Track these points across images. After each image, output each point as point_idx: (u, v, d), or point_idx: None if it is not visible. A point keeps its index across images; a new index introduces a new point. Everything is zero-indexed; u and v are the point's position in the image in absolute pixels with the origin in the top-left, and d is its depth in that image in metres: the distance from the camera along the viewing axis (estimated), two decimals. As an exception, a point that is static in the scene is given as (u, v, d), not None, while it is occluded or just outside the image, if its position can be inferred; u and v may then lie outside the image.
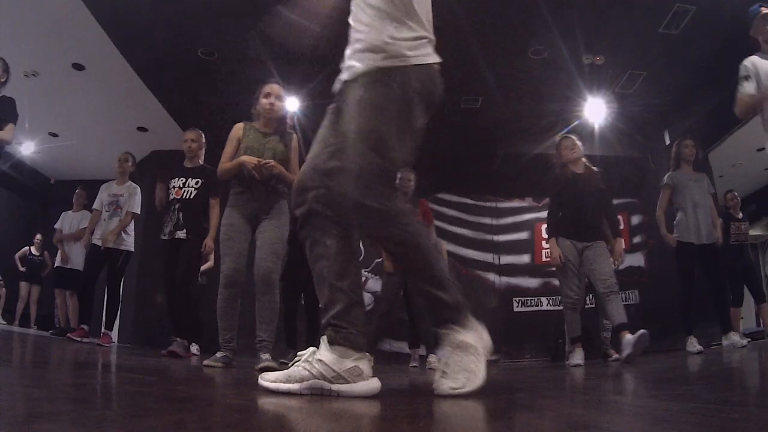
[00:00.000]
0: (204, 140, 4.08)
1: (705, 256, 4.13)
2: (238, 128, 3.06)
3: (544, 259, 6.97)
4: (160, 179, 4.04)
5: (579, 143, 3.90)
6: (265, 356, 2.80)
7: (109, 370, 2.20)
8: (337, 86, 1.45)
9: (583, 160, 3.87)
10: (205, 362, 2.83)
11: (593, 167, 3.90)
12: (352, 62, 1.39)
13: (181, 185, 3.87)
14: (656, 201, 4.43)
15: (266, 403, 1.18)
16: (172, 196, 3.85)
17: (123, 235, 4.61)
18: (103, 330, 4.52)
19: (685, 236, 4.16)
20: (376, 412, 1.09)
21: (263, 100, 3.00)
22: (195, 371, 2.49)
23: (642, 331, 3.16)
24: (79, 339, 4.27)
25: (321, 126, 1.46)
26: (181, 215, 3.78)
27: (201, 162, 4.02)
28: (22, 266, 7.25)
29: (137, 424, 0.79)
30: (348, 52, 1.42)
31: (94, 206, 4.80)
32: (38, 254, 7.34)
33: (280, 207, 2.97)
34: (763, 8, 2.85)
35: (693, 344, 4.01)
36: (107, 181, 4.85)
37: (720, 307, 4.11)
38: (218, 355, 2.86)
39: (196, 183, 3.86)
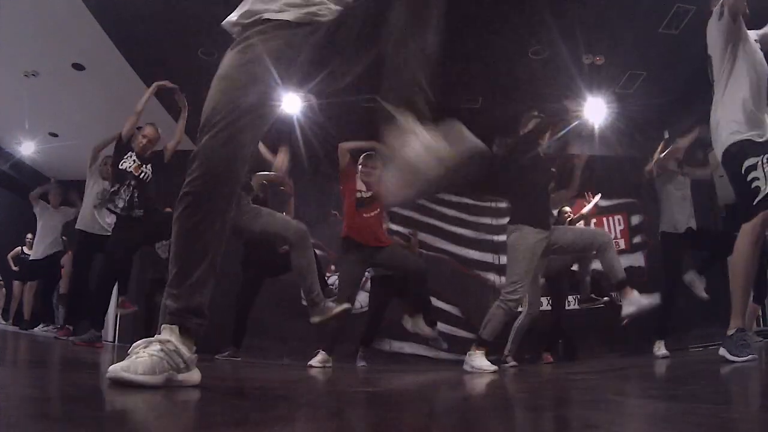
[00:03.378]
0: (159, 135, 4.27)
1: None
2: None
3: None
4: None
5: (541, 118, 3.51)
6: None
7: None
8: None
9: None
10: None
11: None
12: None
13: (140, 164, 3.97)
14: (656, 201, 4.47)
15: (267, 402, 1.18)
16: (128, 168, 3.92)
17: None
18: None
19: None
20: (375, 411, 1.09)
21: None
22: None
23: (651, 301, 3.07)
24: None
25: None
26: (136, 194, 3.86)
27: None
28: (15, 266, 7.30)
29: (137, 424, 0.79)
30: None
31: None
32: (30, 253, 7.37)
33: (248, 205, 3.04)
34: None
35: (660, 348, 4.05)
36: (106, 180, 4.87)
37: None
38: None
39: (150, 168, 4.04)
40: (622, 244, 6.87)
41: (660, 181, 4.36)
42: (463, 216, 7.14)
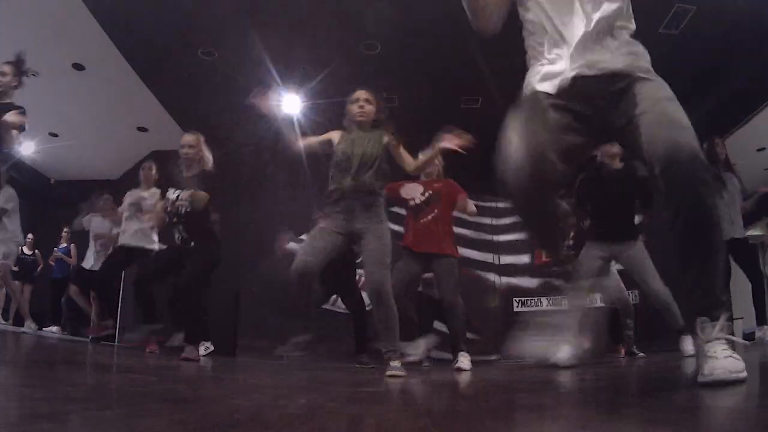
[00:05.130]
0: (203, 144, 3.68)
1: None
2: (335, 133, 3.07)
3: (544, 258, 6.96)
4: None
5: None
6: (394, 364, 2.55)
7: (109, 370, 2.20)
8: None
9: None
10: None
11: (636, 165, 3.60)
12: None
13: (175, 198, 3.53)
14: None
15: (267, 403, 1.18)
16: (168, 208, 3.56)
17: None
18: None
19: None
20: (378, 411, 1.09)
21: (351, 107, 2.98)
22: (196, 371, 2.49)
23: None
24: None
25: None
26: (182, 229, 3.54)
27: (201, 169, 3.60)
28: (15, 266, 7.30)
29: (137, 424, 0.79)
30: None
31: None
32: (30, 253, 7.38)
33: (378, 216, 2.80)
34: None
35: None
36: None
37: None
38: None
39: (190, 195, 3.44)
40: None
41: None
42: (464, 216, 7.14)
